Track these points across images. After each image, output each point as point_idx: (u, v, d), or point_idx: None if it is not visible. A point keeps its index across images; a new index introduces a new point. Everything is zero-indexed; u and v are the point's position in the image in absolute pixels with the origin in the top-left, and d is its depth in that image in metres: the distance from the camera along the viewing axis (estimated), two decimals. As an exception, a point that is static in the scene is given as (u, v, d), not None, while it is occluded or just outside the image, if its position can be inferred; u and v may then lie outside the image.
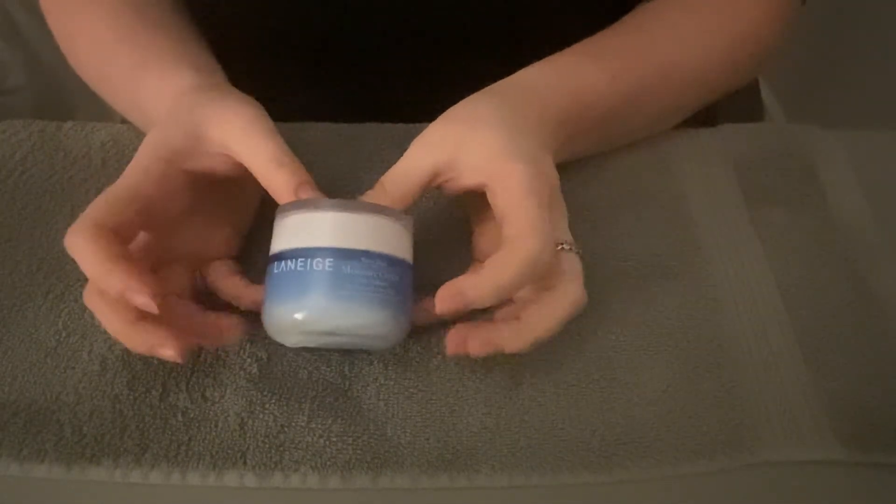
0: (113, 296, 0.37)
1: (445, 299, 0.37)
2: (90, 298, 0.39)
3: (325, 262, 0.37)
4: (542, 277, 0.39)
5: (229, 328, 0.41)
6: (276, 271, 0.38)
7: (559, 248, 0.40)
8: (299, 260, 0.37)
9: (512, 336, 0.39)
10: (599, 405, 0.40)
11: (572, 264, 0.40)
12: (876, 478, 0.39)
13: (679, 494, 0.38)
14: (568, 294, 0.39)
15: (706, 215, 0.49)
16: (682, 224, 0.49)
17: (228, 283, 0.43)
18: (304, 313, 0.37)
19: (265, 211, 0.41)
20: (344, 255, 0.37)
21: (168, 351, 0.37)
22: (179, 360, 0.38)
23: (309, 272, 0.37)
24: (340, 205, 0.38)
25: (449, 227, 0.47)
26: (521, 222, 0.38)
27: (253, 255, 0.45)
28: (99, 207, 0.38)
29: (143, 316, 0.38)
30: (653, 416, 0.40)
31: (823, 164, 0.52)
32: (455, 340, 0.39)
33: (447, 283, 0.37)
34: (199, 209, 0.42)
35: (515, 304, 0.41)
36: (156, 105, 0.45)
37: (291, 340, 0.40)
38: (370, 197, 0.41)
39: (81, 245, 0.37)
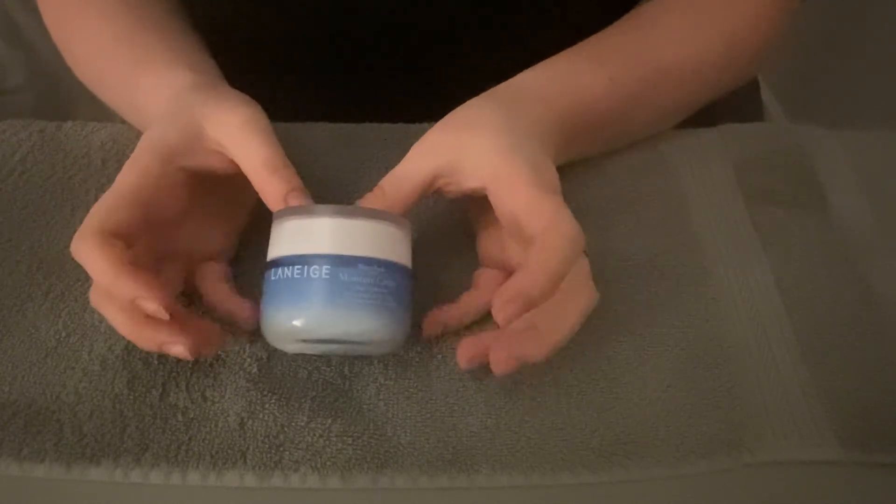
0: (123, 302, 0.37)
1: (506, 305, 0.34)
2: (97, 299, 0.39)
3: (322, 269, 0.37)
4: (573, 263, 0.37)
5: (210, 336, 0.40)
6: (273, 278, 0.38)
7: None
8: (296, 267, 0.37)
9: (535, 345, 0.38)
10: (599, 405, 0.40)
11: (581, 265, 0.40)
12: (876, 478, 0.39)
13: (679, 494, 0.38)
14: (582, 295, 0.39)
15: (706, 215, 0.49)
16: (682, 224, 0.49)
17: (213, 288, 0.42)
18: (301, 321, 0.37)
19: (266, 212, 0.41)
20: (341, 261, 0.37)
21: (178, 347, 0.37)
22: (190, 357, 0.38)
23: (306, 279, 0.37)
24: (337, 210, 0.38)
25: (449, 229, 0.47)
26: (544, 213, 0.37)
27: (258, 257, 0.45)
28: (102, 212, 0.38)
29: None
30: (653, 416, 0.40)
31: (823, 164, 0.52)
32: (470, 353, 0.38)
33: (499, 290, 0.35)
34: (195, 207, 0.42)
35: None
36: (152, 104, 0.45)
37: (290, 347, 0.40)
38: (369, 200, 0.41)
39: (88, 252, 0.37)
